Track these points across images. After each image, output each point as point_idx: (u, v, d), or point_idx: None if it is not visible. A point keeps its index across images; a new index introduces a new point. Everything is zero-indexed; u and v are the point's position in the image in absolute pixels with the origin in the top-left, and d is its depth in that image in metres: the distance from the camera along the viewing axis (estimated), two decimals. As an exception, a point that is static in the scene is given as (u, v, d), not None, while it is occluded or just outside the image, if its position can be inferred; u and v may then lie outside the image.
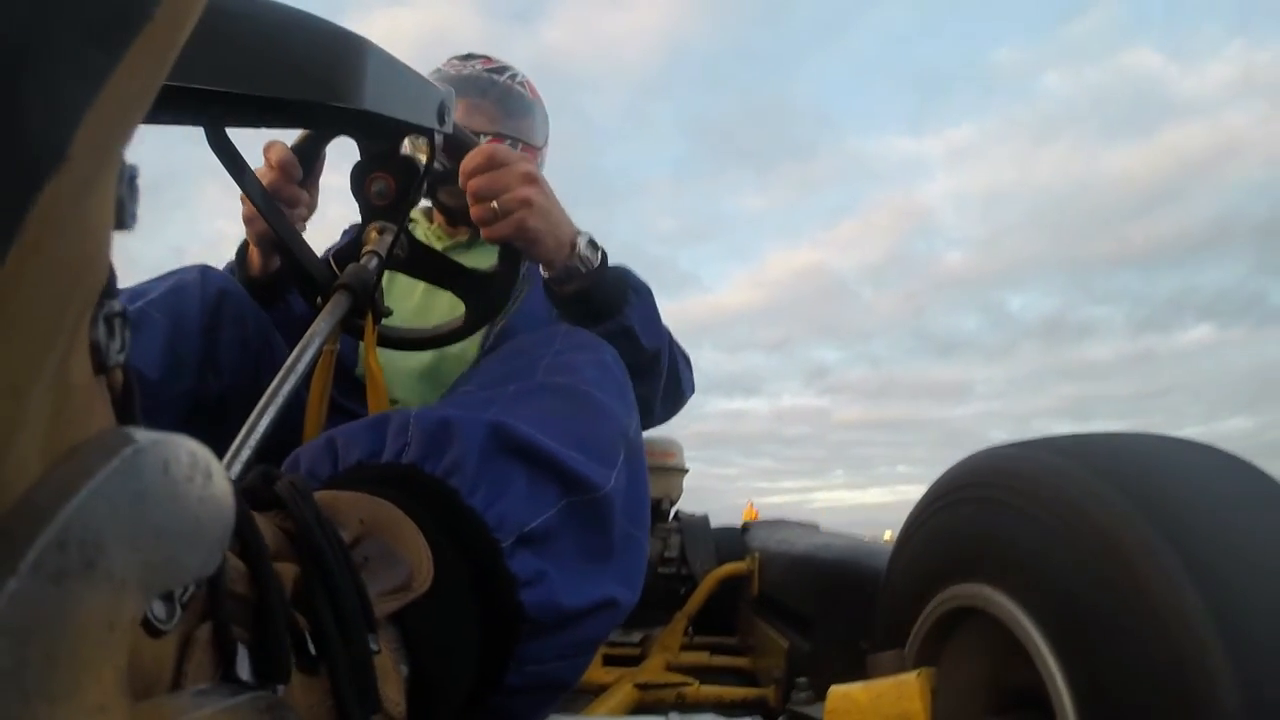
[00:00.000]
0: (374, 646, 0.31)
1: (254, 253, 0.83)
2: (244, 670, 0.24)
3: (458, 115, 1.01)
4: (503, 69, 1.07)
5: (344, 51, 0.41)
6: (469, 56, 1.08)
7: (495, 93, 1.05)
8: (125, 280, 0.76)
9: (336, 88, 0.40)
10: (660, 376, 0.89)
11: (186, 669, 0.22)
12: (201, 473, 0.17)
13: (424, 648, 0.35)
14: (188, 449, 0.17)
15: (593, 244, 0.76)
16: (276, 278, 0.84)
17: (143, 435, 0.16)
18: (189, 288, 0.73)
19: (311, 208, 0.79)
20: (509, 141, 1.04)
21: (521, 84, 1.08)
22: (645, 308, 0.83)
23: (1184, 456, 0.40)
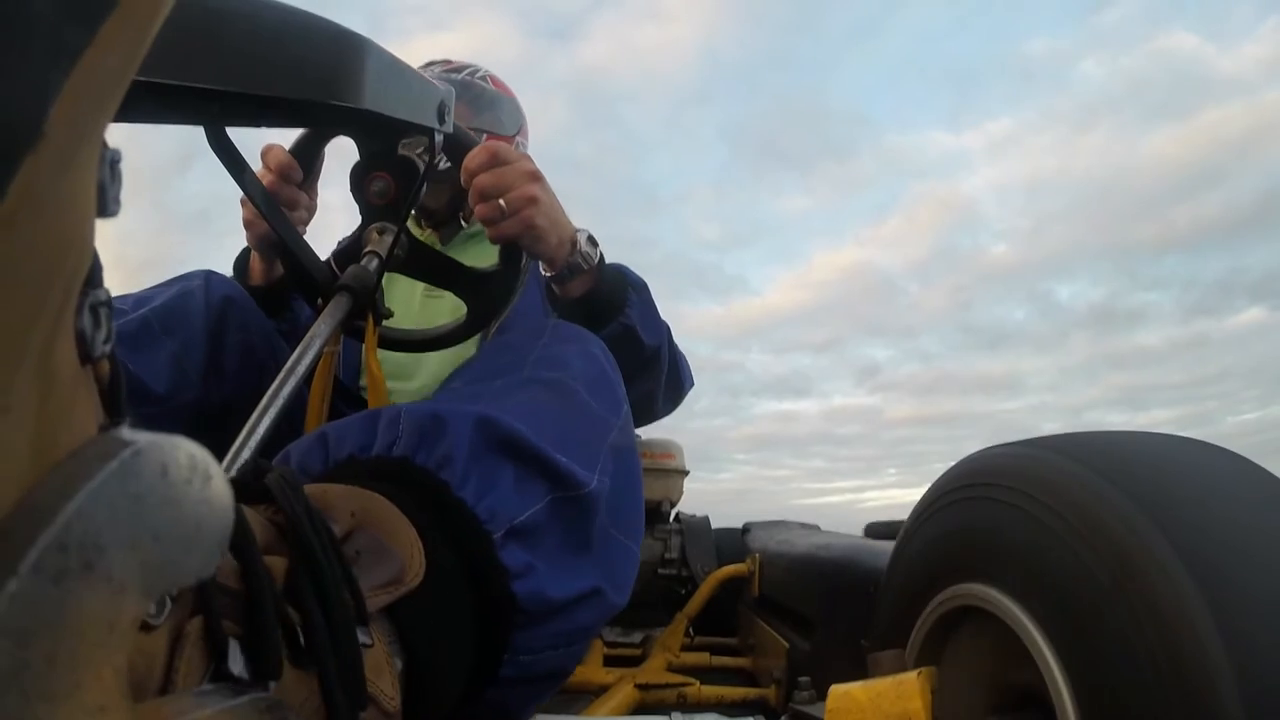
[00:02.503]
0: (366, 640, 0.31)
1: (255, 260, 0.83)
2: (236, 665, 0.24)
3: None
4: (462, 67, 1.09)
5: (344, 50, 0.41)
6: (430, 64, 1.10)
7: (455, 90, 1.07)
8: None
9: (337, 87, 0.40)
10: (661, 372, 0.89)
11: (178, 663, 0.22)
12: (200, 475, 0.17)
13: (418, 641, 0.35)
14: (187, 451, 0.17)
15: (592, 240, 0.76)
16: (279, 286, 0.84)
17: (142, 437, 0.16)
18: (193, 294, 0.73)
19: (311, 211, 0.79)
20: (481, 134, 1.04)
21: (484, 79, 1.10)
22: (644, 304, 0.83)
23: (1184, 455, 0.40)
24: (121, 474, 0.15)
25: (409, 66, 0.51)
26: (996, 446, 0.46)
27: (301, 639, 0.27)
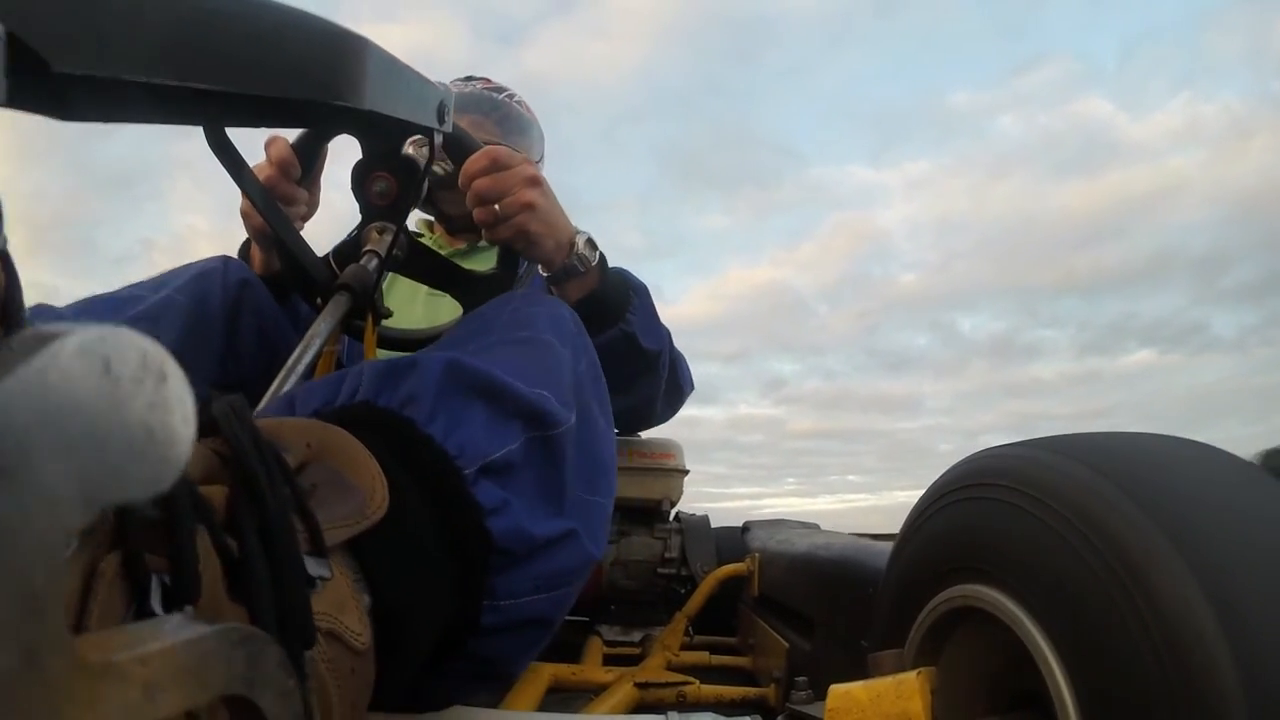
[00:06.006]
0: (324, 572, 0.29)
1: (255, 250, 0.83)
2: (157, 604, 0.22)
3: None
4: (501, 89, 1.13)
5: (343, 50, 0.41)
6: (470, 78, 1.14)
7: (495, 110, 1.10)
8: (118, 280, 0.76)
9: (336, 87, 0.40)
10: (661, 377, 0.89)
11: (92, 606, 0.20)
12: (153, 375, 0.15)
13: (384, 578, 0.33)
14: (136, 347, 0.15)
15: (591, 243, 0.77)
16: (280, 276, 0.85)
17: (78, 328, 0.14)
18: (212, 274, 0.74)
19: (313, 207, 0.79)
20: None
21: (519, 103, 1.14)
22: (645, 309, 0.84)
23: (1186, 455, 0.40)
24: (51, 368, 0.13)
25: (408, 67, 0.51)
26: (996, 447, 0.47)
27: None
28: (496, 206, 0.70)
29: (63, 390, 0.13)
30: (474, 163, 0.70)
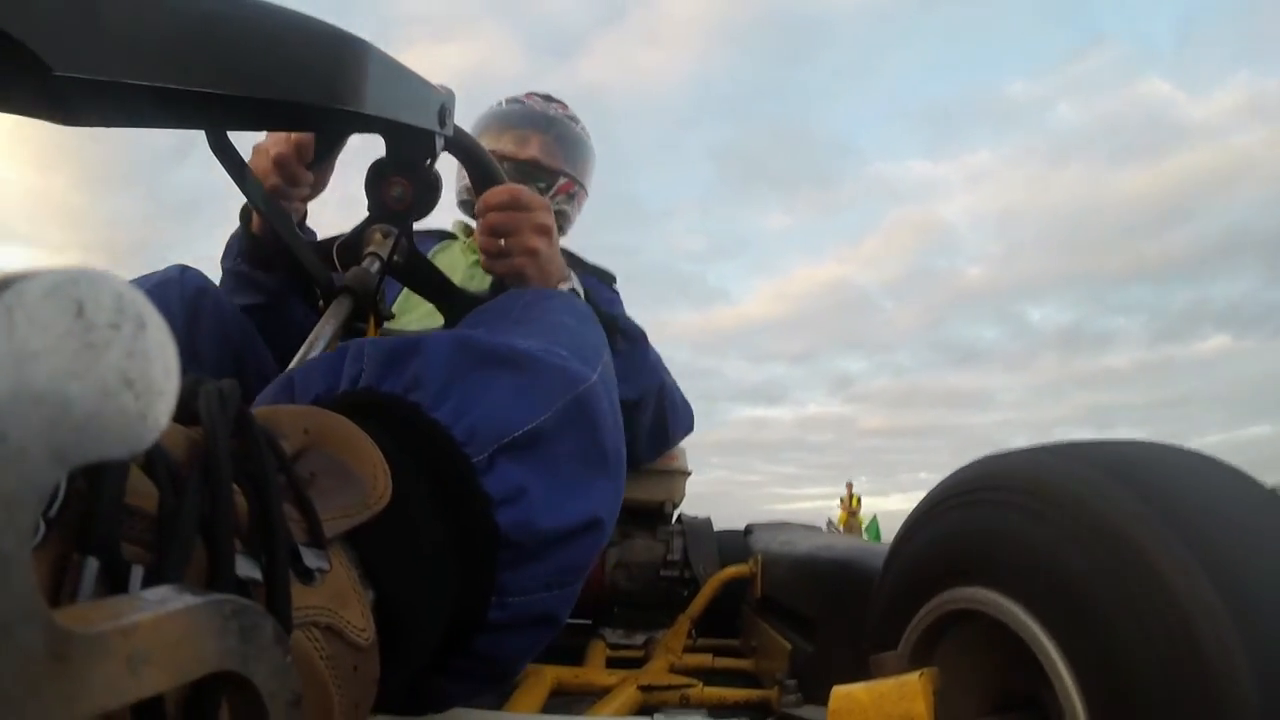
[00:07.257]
0: (323, 564, 0.28)
1: (254, 217, 0.85)
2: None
3: (534, 149, 1.15)
4: (575, 118, 1.22)
5: (344, 54, 0.41)
6: (549, 98, 1.21)
7: (570, 137, 1.19)
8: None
9: (337, 90, 0.40)
10: (639, 425, 0.93)
11: (63, 600, 0.19)
12: (131, 321, 0.14)
13: (386, 573, 0.32)
14: (112, 289, 0.14)
15: (574, 293, 0.80)
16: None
17: (43, 268, 0.13)
18: (169, 284, 0.75)
19: (319, 188, 0.81)
20: (577, 187, 1.19)
21: (587, 134, 1.23)
22: (631, 355, 0.88)
23: (1188, 462, 0.40)
24: (11, 310, 0.12)
25: (409, 69, 0.51)
26: (999, 452, 0.46)
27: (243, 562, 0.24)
28: (502, 242, 0.74)
29: (30, 333, 0.12)
30: (495, 195, 0.74)
